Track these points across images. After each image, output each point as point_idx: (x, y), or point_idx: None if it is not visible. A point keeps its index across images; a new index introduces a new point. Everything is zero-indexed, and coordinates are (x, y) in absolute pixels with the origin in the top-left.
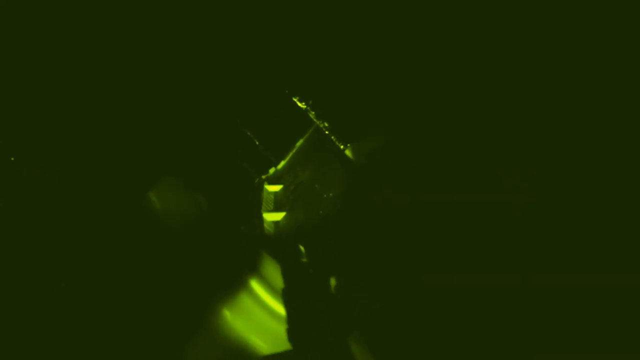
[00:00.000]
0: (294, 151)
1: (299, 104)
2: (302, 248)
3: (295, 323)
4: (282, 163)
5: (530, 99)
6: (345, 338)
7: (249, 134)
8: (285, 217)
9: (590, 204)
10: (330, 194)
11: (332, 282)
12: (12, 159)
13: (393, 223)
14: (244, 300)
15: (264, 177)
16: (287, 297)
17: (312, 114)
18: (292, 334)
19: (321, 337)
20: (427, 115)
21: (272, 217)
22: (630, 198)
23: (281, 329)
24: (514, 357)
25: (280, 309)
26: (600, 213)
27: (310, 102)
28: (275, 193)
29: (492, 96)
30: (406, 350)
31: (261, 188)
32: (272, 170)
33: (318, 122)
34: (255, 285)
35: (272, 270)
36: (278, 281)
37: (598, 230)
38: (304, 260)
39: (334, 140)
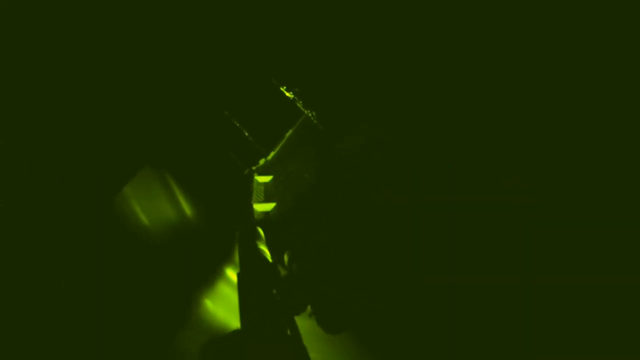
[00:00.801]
0: (283, 142)
1: (286, 94)
2: (260, 231)
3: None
4: (272, 154)
5: (530, 99)
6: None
7: (238, 125)
8: (275, 208)
9: (591, 204)
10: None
11: (313, 276)
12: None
13: (393, 223)
14: (222, 288)
15: (254, 168)
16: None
17: (299, 104)
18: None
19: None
20: (427, 115)
21: (262, 207)
22: (630, 198)
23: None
24: (514, 357)
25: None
26: (600, 213)
27: (297, 90)
28: (265, 184)
29: (492, 96)
30: (406, 350)
31: (251, 179)
32: (262, 161)
33: (306, 112)
34: (231, 273)
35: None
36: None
37: (598, 230)
38: (263, 245)
39: (322, 129)
